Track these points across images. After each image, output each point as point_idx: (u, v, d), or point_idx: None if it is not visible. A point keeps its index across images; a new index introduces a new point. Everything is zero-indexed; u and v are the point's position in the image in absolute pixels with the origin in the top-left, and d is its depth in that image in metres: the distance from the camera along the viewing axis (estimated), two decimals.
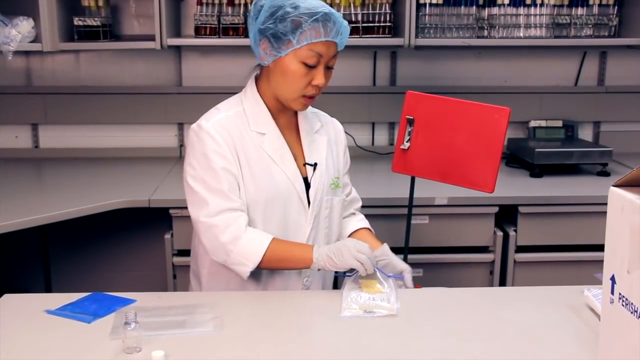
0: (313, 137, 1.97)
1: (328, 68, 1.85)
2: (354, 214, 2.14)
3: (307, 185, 1.92)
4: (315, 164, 1.93)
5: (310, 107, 2.02)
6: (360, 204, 2.17)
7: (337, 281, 2.58)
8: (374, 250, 1.86)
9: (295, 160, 1.92)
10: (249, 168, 1.85)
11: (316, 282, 1.97)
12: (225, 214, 1.79)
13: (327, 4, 3.03)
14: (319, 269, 1.80)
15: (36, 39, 2.88)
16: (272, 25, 1.77)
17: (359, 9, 3.09)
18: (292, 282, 1.92)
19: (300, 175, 1.91)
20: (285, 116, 1.93)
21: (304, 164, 1.93)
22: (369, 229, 2.11)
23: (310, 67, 1.80)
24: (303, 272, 1.92)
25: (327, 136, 2.01)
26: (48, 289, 3.23)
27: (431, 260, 2.77)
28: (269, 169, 1.87)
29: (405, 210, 2.34)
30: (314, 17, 1.76)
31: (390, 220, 2.57)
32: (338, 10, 3.07)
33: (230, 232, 1.78)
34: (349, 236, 2.06)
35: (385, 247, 1.93)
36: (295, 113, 1.96)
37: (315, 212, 1.92)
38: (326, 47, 1.80)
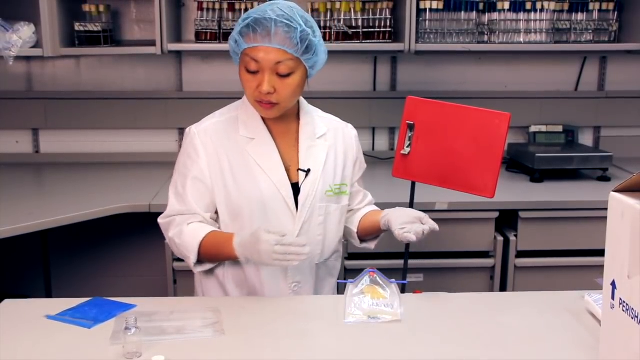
0: (314, 142, 1.94)
1: (281, 75, 1.77)
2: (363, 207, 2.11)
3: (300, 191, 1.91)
4: (309, 170, 1.91)
5: (319, 112, 2.01)
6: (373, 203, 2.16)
7: (339, 287, 2.58)
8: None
9: (290, 165, 1.91)
10: (232, 173, 1.86)
11: (307, 287, 1.95)
12: (179, 216, 1.87)
13: (326, 9, 3.08)
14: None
15: (37, 45, 2.89)
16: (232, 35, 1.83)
17: (359, 14, 3.10)
18: (280, 287, 1.91)
19: (288, 181, 1.88)
20: (283, 122, 1.91)
21: (298, 170, 1.92)
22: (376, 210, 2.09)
23: (254, 73, 1.77)
24: (290, 277, 1.91)
25: (332, 143, 1.97)
26: (48, 294, 3.23)
27: (432, 265, 2.77)
28: (253, 174, 1.87)
29: None
30: (246, 23, 1.76)
31: None
32: (338, 16, 3.09)
33: (176, 227, 1.86)
34: (360, 222, 2.05)
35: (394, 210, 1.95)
36: (297, 118, 1.95)
37: (304, 218, 1.89)
38: (264, 52, 1.74)
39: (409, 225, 1.85)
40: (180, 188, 1.88)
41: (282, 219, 1.88)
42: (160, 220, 1.92)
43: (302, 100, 1.97)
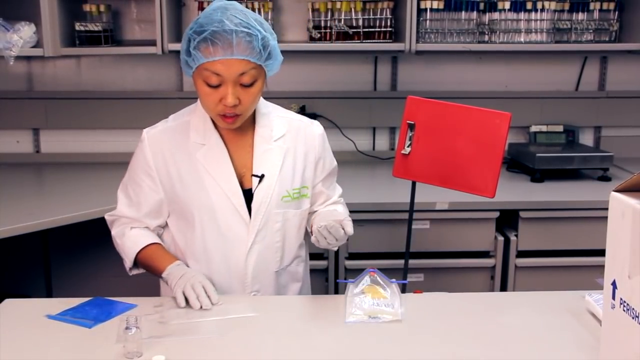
0: (269, 146, 1.84)
1: (245, 85, 1.70)
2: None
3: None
4: (262, 176, 1.82)
5: (280, 111, 1.92)
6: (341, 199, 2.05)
7: (339, 287, 2.59)
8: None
9: (244, 171, 1.83)
10: (181, 182, 1.82)
11: (268, 295, 1.88)
12: (125, 218, 1.90)
13: (327, 8, 3.08)
14: None
15: (38, 44, 2.89)
16: (182, 44, 1.73)
17: (359, 14, 3.10)
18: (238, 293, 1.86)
19: (239, 188, 1.81)
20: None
21: (252, 175, 1.83)
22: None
23: (216, 87, 1.69)
24: (248, 287, 1.85)
25: (291, 144, 1.87)
26: (49, 294, 3.23)
27: (432, 265, 2.77)
28: (202, 182, 1.81)
29: (406, 215, 2.34)
30: (202, 36, 1.65)
31: (391, 225, 2.57)
32: (339, 16, 3.09)
33: (119, 227, 1.90)
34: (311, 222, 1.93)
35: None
36: (254, 121, 1.86)
37: (258, 226, 1.82)
38: (225, 66, 1.65)
39: (319, 232, 1.72)
40: (131, 192, 1.88)
41: (235, 227, 1.82)
42: (106, 216, 1.95)
43: (260, 100, 1.86)
